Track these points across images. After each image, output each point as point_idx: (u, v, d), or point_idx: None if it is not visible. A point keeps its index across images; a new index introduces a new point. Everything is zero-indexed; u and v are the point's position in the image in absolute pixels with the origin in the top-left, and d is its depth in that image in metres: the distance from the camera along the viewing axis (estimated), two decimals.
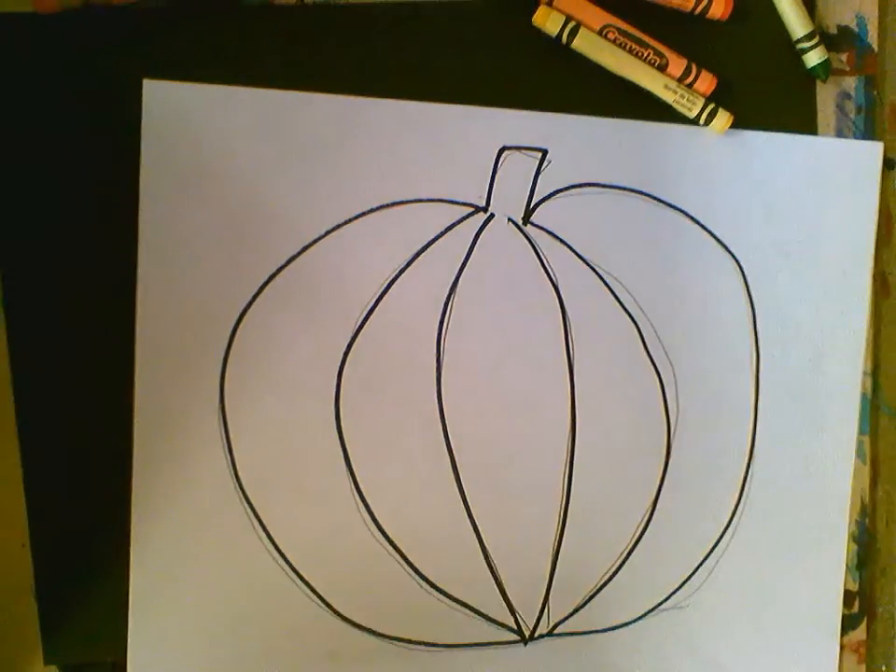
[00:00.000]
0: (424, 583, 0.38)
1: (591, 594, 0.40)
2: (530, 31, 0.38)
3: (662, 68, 0.38)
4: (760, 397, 0.41)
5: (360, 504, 0.38)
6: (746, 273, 0.40)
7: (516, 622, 0.39)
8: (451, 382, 0.38)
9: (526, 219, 0.39)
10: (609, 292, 0.39)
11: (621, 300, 0.39)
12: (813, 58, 0.40)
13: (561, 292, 0.39)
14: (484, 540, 0.39)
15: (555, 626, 0.40)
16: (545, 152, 0.38)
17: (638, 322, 0.39)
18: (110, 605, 0.37)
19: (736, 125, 0.39)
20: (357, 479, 0.38)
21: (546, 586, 0.39)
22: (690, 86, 0.39)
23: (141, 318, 0.36)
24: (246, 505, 0.37)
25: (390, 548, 0.38)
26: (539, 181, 0.38)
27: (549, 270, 0.39)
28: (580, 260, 0.39)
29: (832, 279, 0.41)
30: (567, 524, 0.39)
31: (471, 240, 0.38)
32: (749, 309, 0.40)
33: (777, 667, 0.42)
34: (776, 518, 0.41)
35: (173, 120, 0.36)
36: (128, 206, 0.36)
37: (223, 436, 0.37)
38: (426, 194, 0.38)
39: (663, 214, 0.40)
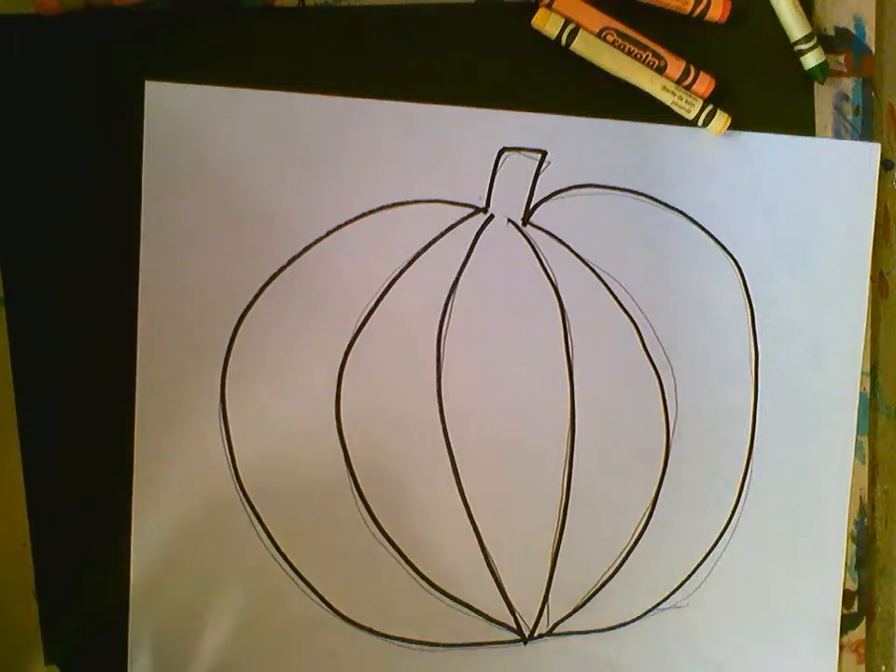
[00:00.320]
0: (424, 583, 0.38)
1: (591, 593, 0.40)
2: (530, 33, 0.38)
3: (660, 70, 0.39)
4: (759, 397, 0.41)
5: (360, 504, 0.38)
6: (744, 273, 0.41)
7: (516, 621, 0.40)
8: (451, 382, 0.38)
9: (526, 220, 0.39)
10: (608, 293, 0.39)
11: (620, 300, 0.39)
12: (811, 60, 0.40)
13: (560, 293, 0.39)
14: (484, 540, 0.39)
15: (555, 626, 0.40)
16: (545, 153, 0.38)
17: (638, 322, 0.40)
18: (110, 605, 0.37)
19: (735, 126, 0.39)
20: (358, 478, 0.38)
21: (546, 586, 0.40)
22: (688, 87, 0.39)
23: (142, 318, 0.36)
24: (247, 505, 0.37)
25: (390, 547, 0.38)
26: (538, 182, 0.39)
27: (548, 270, 0.39)
28: (579, 261, 0.39)
29: (830, 279, 0.41)
30: (566, 523, 0.39)
31: (471, 241, 0.38)
32: (748, 309, 0.41)
33: (777, 667, 0.42)
34: (774, 518, 0.41)
35: (175, 121, 0.36)
36: (130, 207, 0.36)
37: (224, 435, 0.37)
38: (426, 195, 0.38)
39: (661, 215, 0.40)
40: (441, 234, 0.38)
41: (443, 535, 0.38)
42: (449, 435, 0.38)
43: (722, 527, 0.41)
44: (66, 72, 0.35)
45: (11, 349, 0.36)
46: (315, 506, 0.37)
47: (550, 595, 0.40)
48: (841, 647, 0.43)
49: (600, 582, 0.40)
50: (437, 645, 0.39)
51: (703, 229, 0.40)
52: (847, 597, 0.42)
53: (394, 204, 0.38)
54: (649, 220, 0.40)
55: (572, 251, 0.39)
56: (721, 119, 0.39)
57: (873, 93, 0.42)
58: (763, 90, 0.40)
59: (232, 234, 0.36)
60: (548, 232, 0.39)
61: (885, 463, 0.43)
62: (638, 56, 0.38)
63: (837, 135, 0.42)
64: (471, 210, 0.38)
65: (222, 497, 0.37)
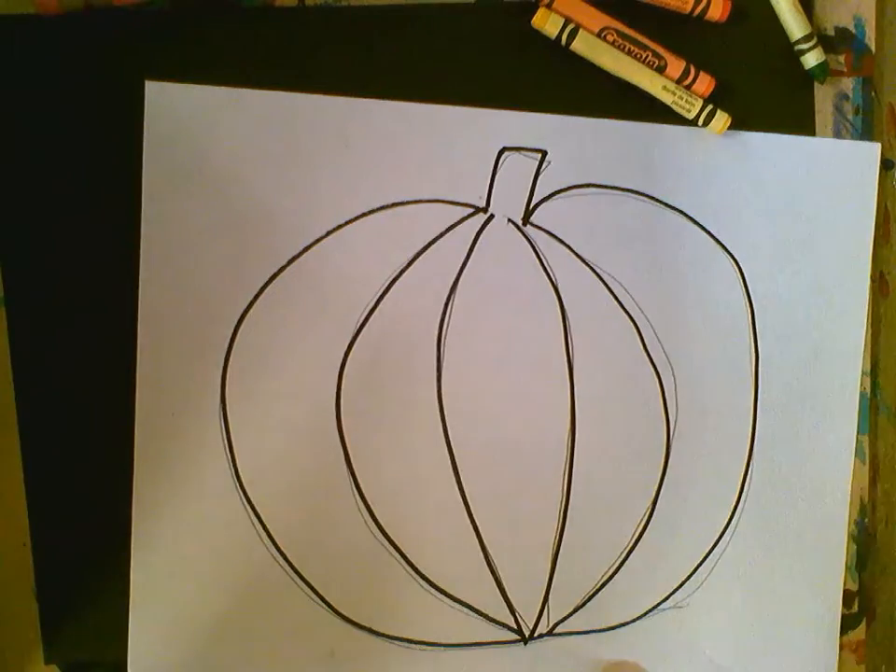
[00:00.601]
0: (424, 583, 0.38)
1: (591, 593, 0.40)
2: (530, 33, 0.38)
3: (660, 70, 0.39)
4: (759, 396, 0.41)
5: (361, 504, 0.38)
6: (745, 273, 0.40)
7: (516, 621, 0.39)
8: (451, 382, 0.38)
9: (526, 220, 0.39)
10: (608, 292, 0.39)
11: (620, 300, 0.39)
12: (811, 59, 0.40)
13: (561, 293, 0.39)
14: (484, 540, 0.39)
15: (555, 626, 0.40)
16: (545, 153, 0.38)
17: (638, 322, 0.40)
18: (110, 604, 0.37)
19: (735, 126, 0.39)
20: (358, 479, 0.38)
21: (546, 586, 0.40)
22: (688, 87, 0.39)
23: (142, 319, 0.36)
24: (247, 505, 0.37)
25: (390, 547, 0.38)
26: (538, 182, 0.39)
27: (549, 270, 0.39)
28: (579, 261, 0.39)
29: (830, 279, 0.41)
30: (566, 523, 0.39)
31: (471, 240, 0.38)
32: (748, 309, 0.41)
33: (777, 667, 0.42)
34: (775, 518, 0.41)
35: (175, 121, 0.36)
36: (130, 207, 0.36)
37: (224, 435, 0.37)
38: (426, 195, 0.38)
39: (662, 214, 0.40)
40: (442, 234, 0.38)
41: (443, 534, 0.38)
42: (449, 434, 0.38)
43: (723, 527, 0.41)
44: (66, 72, 0.36)
45: (11, 349, 0.36)
46: (315, 506, 0.37)
47: (550, 595, 0.40)
48: (841, 647, 0.42)
49: (601, 582, 0.40)
50: (437, 645, 0.39)
51: (703, 228, 0.40)
52: (848, 597, 0.42)
53: (394, 204, 0.38)
54: (649, 220, 0.40)
55: (572, 251, 0.39)
56: (722, 119, 0.39)
57: (873, 93, 0.42)
58: (764, 89, 0.40)
59: (232, 234, 0.36)
60: (548, 232, 0.39)
61: (885, 463, 0.43)
62: (638, 56, 0.38)
63: (837, 135, 0.41)
64: (471, 210, 0.38)
65: (222, 496, 0.37)
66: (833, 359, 0.41)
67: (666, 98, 0.39)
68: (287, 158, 0.37)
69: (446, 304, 0.38)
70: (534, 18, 0.38)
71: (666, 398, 0.40)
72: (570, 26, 0.38)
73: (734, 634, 0.42)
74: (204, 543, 0.37)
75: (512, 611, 0.39)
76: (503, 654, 0.40)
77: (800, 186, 0.41)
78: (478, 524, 0.39)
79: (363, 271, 0.37)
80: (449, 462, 0.38)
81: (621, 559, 0.40)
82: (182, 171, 0.36)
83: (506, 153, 0.38)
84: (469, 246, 0.38)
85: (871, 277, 0.42)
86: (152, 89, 0.35)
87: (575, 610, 0.40)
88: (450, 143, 0.38)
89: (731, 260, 0.40)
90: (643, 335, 0.40)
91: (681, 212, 0.40)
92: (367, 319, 0.38)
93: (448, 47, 0.38)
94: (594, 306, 0.39)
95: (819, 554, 0.42)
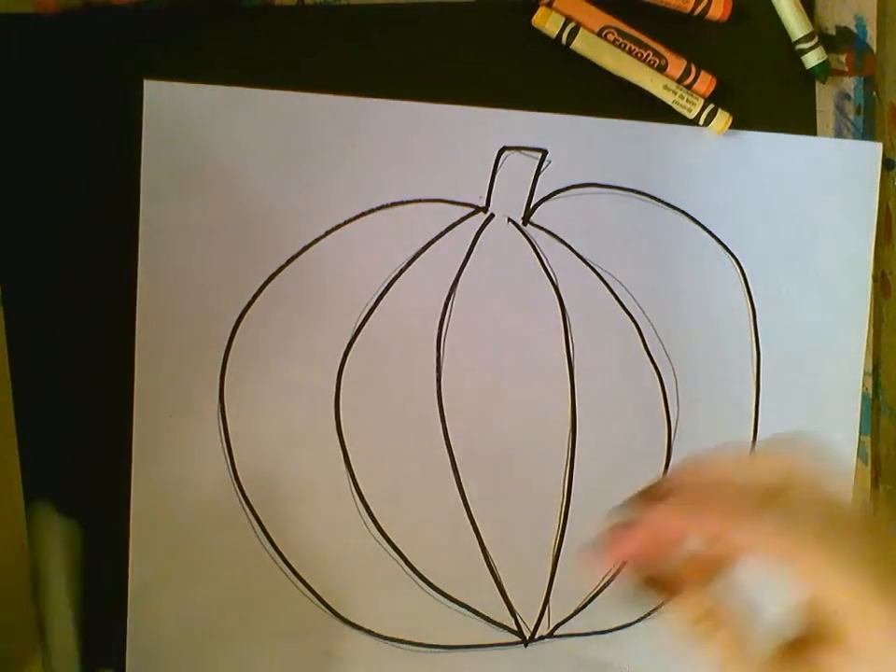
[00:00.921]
0: (424, 584, 0.38)
1: (592, 595, 0.40)
2: (530, 32, 0.38)
3: (661, 69, 0.39)
4: (760, 396, 0.41)
5: (360, 504, 0.38)
6: (746, 272, 0.40)
7: (517, 623, 0.39)
8: (451, 382, 0.38)
9: (526, 219, 0.39)
10: (609, 292, 0.39)
11: (621, 299, 0.39)
12: (812, 59, 0.40)
13: (561, 292, 0.39)
14: (485, 541, 0.39)
15: (556, 628, 0.40)
16: (545, 152, 0.38)
17: (639, 322, 0.39)
18: (109, 605, 0.37)
19: (736, 126, 0.39)
20: (357, 479, 0.38)
21: (547, 587, 0.39)
22: (689, 87, 0.39)
23: (141, 318, 0.36)
24: (245, 505, 0.37)
25: (390, 548, 0.38)
26: (538, 181, 0.38)
27: (549, 270, 0.39)
28: (580, 260, 0.39)
29: (832, 279, 0.41)
30: (567, 524, 0.39)
31: (471, 240, 0.38)
32: (750, 309, 0.40)
33: None
34: None
35: (173, 120, 0.36)
36: (128, 206, 0.36)
37: (222, 435, 0.37)
38: (426, 194, 0.38)
39: (662, 214, 0.40)
40: (442, 234, 0.38)
41: (443, 535, 0.38)
42: (449, 435, 0.38)
43: None
44: (65, 71, 0.35)
45: (10, 349, 0.36)
46: (314, 506, 0.37)
47: (551, 597, 0.39)
48: None
49: (602, 584, 0.40)
50: (437, 647, 0.39)
51: (704, 228, 0.40)
52: None
53: (393, 204, 0.37)
54: (650, 220, 0.39)
55: (573, 250, 0.39)
56: (723, 119, 0.39)
57: (874, 93, 0.42)
58: (765, 89, 0.40)
59: (231, 234, 0.36)
60: (548, 232, 0.39)
61: (887, 464, 0.43)
62: (639, 55, 0.38)
63: (839, 135, 0.41)
64: (471, 209, 0.38)
65: (221, 497, 0.37)
66: (835, 360, 0.41)
67: (667, 97, 0.39)
68: (286, 157, 0.36)
69: (446, 304, 0.38)
70: (534, 17, 0.37)
71: (667, 397, 0.40)
72: (571, 25, 0.37)
73: None
74: (203, 544, 0.37)
75: (513, 613, 0.39)
76: (503, 656, 0.39)
77: (801, 186, 0.41)
78: (478, 524, 0.39)
79: (362, 270, 0.37)
80: (449, 462, 0.38)
81: (623, 560, 0.40)
82: (181, 170, 0.36)
83: (506, 152, 0.38)
84: (469, 246, 0.38)
85: (872, 277, 0.41)
86: (151, 88, 0.35)
87: (576, 612, 0.40)
88: (450, 142, 0.38)
89: (732, 260, 0.40)
90: (644, 335, 0.40)
91: (682, 211, 0.40)
92: (366, 319, 0.37)
93: (448, 46, 0.38)
94: (594, 306, 0.39)
95: None
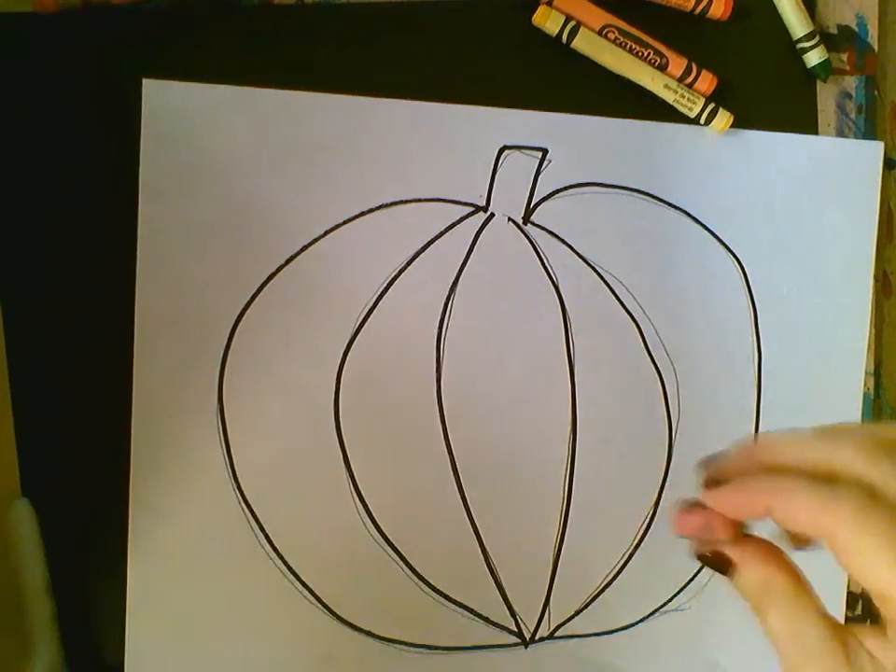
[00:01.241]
0: (423, 585, 0.38)
1: (592, 596, 0.40)
2: (530, 30, 0.38)
3: (662, 68, 0.38)
4: (762, 396, 0.40)
5: (359, 505, 0.37)
6: (747, 272, 0.40)
7: (517, 624, 0.39)
8: (451, 382, 0.38)
9: (527, 219, 0.39)
10: (609, 292, 0.39)
11: (621, 299, 0.39)
12: (813, 58, 0.40)
13: (561, 292, 0.39)
14: (485, 542, 0.38)
15: (556, 629, 0.39)
16: (545, 151, 0.38)
17: (639, 322, 0.39)
18: (109, 607, 0.36)
19: (737, 125, 0.39)
20: (357, 480, 0.37)
21: (547, 588, 0.39)
22: (690, 86, 0.39)
23: (139, 318, 0.36)
24: (245, 506, 0.37)
25: (389, 550, 0.38)
26: (539, 180, 0.38)
27: (549, 269, 0.39)
28: (580, 260, 0.39)
29: (833, 279, 0.41)
30: (567, 525, 0.39)
31: (471, 240, 0.38)
32: (751, 308, 0.40)
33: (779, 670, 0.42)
34: None
35: (172, 120, 0.35)
36: (127, 205, 0.36)
37: (221, 436, 0.37)
38: (426, 194, 0.37)
39: (663, 213, 0.39)
40: (441, 233, 0.38)
41: (443, 536, 0.38)
42: (449, 436, 0.38)
43: None
44: (64, 70, 0.35)
45: (7, 349, 0.36)
46: (313, 508, 0.37)
47: (551, 598, 0.39)
48: None
49: (602, 585, 0.40)
50: (437, 648, 0.39)
51: (705, 227, 0.40)
52: (851, 600, 0.42)
53: (393, 203, 0.37)
54: (650, 219, 0.39)
55: (573, 250, 0.39)
56: (723, 118, 0.39)
57: (876, 91, 0.42)
58: (766, 88, 0.40)
59: (230, 233, 0.36)
60: (549, 231, 0.39)
61: None
62: (640, 54, 0.38)
63: (840, 134, 0.41)
64: (471, 209, 0.38)
65: (220, 498, 0.37)
66: (837, 360, 0.41)
67: (668, 96, 0.38)
68: (285, 157, 0.36)
69: (446, 304, 0.38)
70: (535, 15, 0.37)
71: (668, 398, 0.40)
72: (571, 24, 0.37)
73: (735, 637, 0.41)
74: (202, 546, 0.37)
75: (513, 614, 0.39)
76: (503, 657, 0.39)
77: (802, 185, 0.41)
78: (478, 525, 0.38)
79: (362, 270, 0.37)
80: (449, 463, 0.38)
81: (622, 561, 0.40)
82: (180, 170, 0.36)
83: (506, 151, 0.38)
84: (469, 246, 0.38)
85: (874, 277, 0.41)
86: (150, 87, 0.35)
87: (576, 613, 0.40)
88: (450, 141, 0.37)
89: (733, 260, 0.40)
90: (645, 335, 0.39)
91: (683, 211, 0.40)
92: (366, 319, 0.37)
93: (448, 44, 0.37)
94: (595, 306, 0.39)
95: (821, 557, 0.41)
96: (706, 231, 0.40)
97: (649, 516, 0.40)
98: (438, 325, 0.38)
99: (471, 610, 0.39)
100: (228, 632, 0.37)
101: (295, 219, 0.37)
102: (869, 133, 0.42)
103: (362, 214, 0.37)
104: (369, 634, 0.38)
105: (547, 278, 0.39)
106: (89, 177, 0.36)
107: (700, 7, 0.39)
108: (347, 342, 0.37)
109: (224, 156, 0.36)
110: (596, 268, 0.39)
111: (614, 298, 0.39)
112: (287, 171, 0.36)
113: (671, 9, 0.39)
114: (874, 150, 0.41)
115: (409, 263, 0.38)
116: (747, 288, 0.40)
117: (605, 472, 0.39)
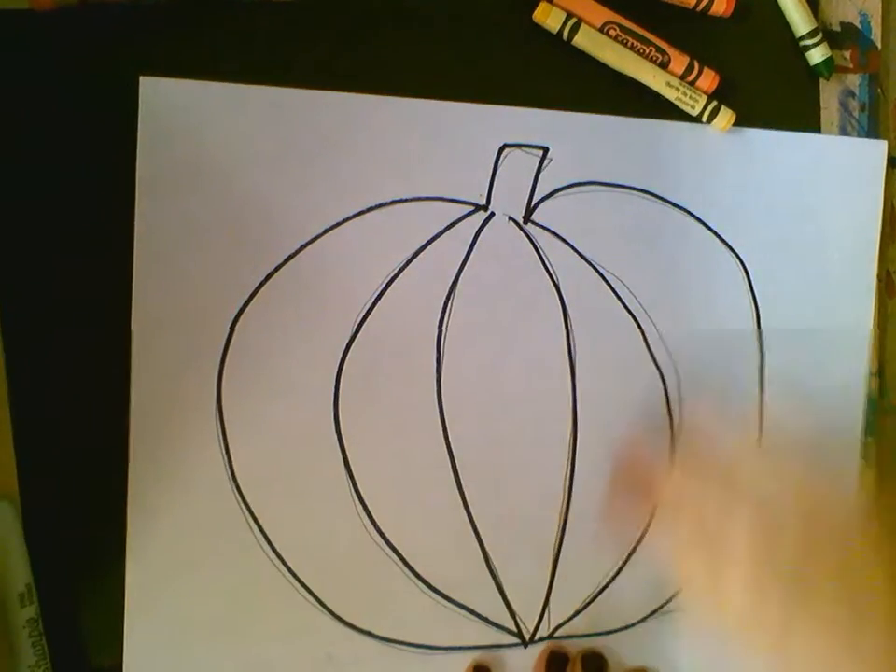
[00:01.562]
0: (423, 586, 0.38)
1: (592, 596, 0.40)
2: (531, 28, 0.37)
3: (664, 65, 0.38)
4: (763, 397, 0.40)
5: (359, 506, 0.37)
6: (749, 271, 0.40)
7: (516, 624, 0.39)
8: (451, 382, 0.38)
9: (527, 217, 0.38)
10: (610, 291, 0.39)
11: (622, 298, 0.39)
12: (816, 55, 0.40)
13: (562, 291, 0.38)
14: (484, 542, 0.38)
15: (556, 629, 0.39)
16: (546, 150, 0.38)
17: (640, 321, 0.39)
18: (107, 608, 0.36)
19: (739, 123, 0.39)
20: (356, 481, 0.37)
21: (546, 589, 0.39)
22: (692, 83, 0.39)
23: (137, 318, 0.35)
24: (244, 507, 0.37)
25: (389, 550, 0.38)
26: (540, 179, 0.38)
27: (550, 268, 0.38)
28: (581, 259, 0.39)
29: (836, 278, 0.41)
30: (567, 525, 0.39)
31: (472, 239, 0.38)
32: (753, 308, 0.40)
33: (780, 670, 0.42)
34: None
35: (170, 117, 0.35)
36: (124, 203, 0.35)
37: (220, 437, 0.36)
38: (425, 192, 0.37)
39: (665, 212, 0.39)
40: (441, 232, 0.38)
41: (443, 536, 0.38)
42: (449, 436, 0.38)
43: None
44: (61, 68, 0.35)
45: (5, 348, 0.35)
46: (312, 508, 0.37)
47: (551, 598, 0.39)
48: None
49: (602, 585, 0.40)
50: (437, 648, 0.39)
51: (707, 226, 0.40)
52: None
53: (393, 202, 0.37)
54: (652, 218, 0.39)
55: (574, 249, 0.39)
56: (726, 116, 0.38)
57: (879, 89, 0.41)
58: (768, 85, 0.40)
59: (228, 232, 0.36)
60: (549, 230, 0.38)
61: (892, 465, 0.42)
62: (641, 51, 0.38)
63: (843, 132, 0.41)
64: (472, 207, 0.38)
65: (219, 499, 0.36)
66: (839, 359, 0.41)
67: (670, 94, 0.38)
68: (284, 154, 0.36)
69: (446, 303, 0.38)
70: (535, 12, 0.37)
71: (669, 397, 0.40)
72: (572, 21, 0.37)
73: (735, 637, 0.41)
74: (201, 546, 0.36)
75: (513, 615, 0.39)
76: (503, 657, 0.39)
77: (805, 184, 0.40)
78: (477, 525, 0.38)
79: (361, 269, 0.37)
80: (448, 463, 0.38)
81: (622, 562, 0.40)
82: (177, 167, 0.35)
83: (507, 150, 0.38)
84: (469, 245, 0.38)
85: (877, 276, 0.41)
86: (147, 84, 0.35)
87: (576, 614, 0.40)
88: (450, 139, 0.37)
89: (735, 259, 0.40)
90: (646, 334, 0.39)
91: (685, 209, 0.39)
92: (365, 318, 0.37)
93: (449, 42, 0.37)
94: (596, 305, 0.39)
95: None
96: (707, 230, 0.40)
97: (649, 516, 0.40)
98: (438, 324, 0.38)
99: (471, 610, 0.39)
100: (227, 632, 0.37)
101: (294, 218, 0.36)
102: (872, 131, 0.41)
103: (362, 212, 0.37)
104: (368, 634, 0.38)
105: (547, 277, 0.38)
106: (86, 176, 0.35)
107: (702, 5, 0.38)
108: (347, 341, 0.37)
109: (222, 154, 0.36)
110: (597, 267, 0.39)
111: (615, 297, 0.39)
112: (286, 169, 0.36)
113: (673, 6, 0.38)
114: (877, 149, 0.41)
115: (409, 262, 0.37)
116: (748, 287, 0.40)
117: (605, 472, 0.39)
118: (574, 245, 0.39)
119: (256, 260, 0.36)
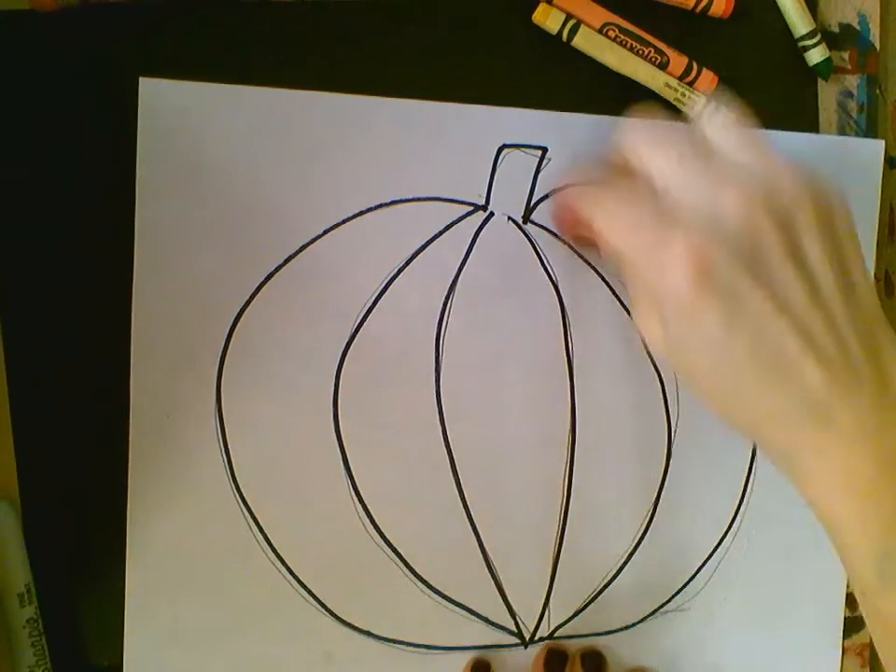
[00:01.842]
0: (423, 586, 0.38)
1: (592, 596, 0.40)
2: (530, 28, 0.37)
3: (663, 66, 0.38)
4: None
5: (359, 506, 0.37)
6: None
7: (516, 624, 0.39)
8: (450, 382, 0.38)
9: (526, 218, 0.38)
10: (609, 291, 0.39)
11: (621, 298, 0.39)
12: (815, 56, 0.40)
13: (561, 291, 0.39)
14: (484, 542, 0.38)
15: (556, 629, 0.39)
16: (545, 150, 0.38)
17: None
18: (106, 608, 0.36)
19: None
20: (356, 481, 0.37)
21: (547, 589, 0.39)
22: (691, 84, 0.39)
23: (136, 318, 0.35)
24: (243, 507, 0.37)
25: (389, 550, 0.38)
26: (539, 179, 0.38)
27: (549, 268, 0.38)
28: (580, 259, 0.39)
29: None
30: (567, 525, 0.39)
31: (471, 239, 0.38)
32: None
33: (780, 670, 0.42)
34: (778, 519, 0.41)
35: (170, 118, 0.35)
36: (124, 204, 0.35)
37: (220, 437, 0.36)
38: (425, 193, 0.37)
39: None
40: (440, 232, 0.38)
41: (442, 536, 0.38)
42: (448, 436, 0.38)
43: (725, 529, 0.41)
44: (61, 68, 0.35)
45: (3, 348, 0.35)
46: (312, 509, 0.37)
47: (551, 598, 0.39)
48: (844, 650, 0.42)
49: (602, 585, 0.40)
50: (436, 648, 0.39)
51: None
52: (851, 600, 0.42)
53: (392, 202, 0.37)
54: None
55: (573, 249, 0.39)
56: None
57: (877, 90, 0.41)
58: (767, 86, 0.40)
59: (228, 233, 0.36)
60: (549, 230, 0.38)
61: None
62: (640, 52, 0.38)
63: (841, 133, 0.41)
64: (471, 208, 0.38)
65: (219, 499, 0.36)
66: None
67: (669, 95, 0.38)
68: (284, 155, 0.36)
69: (445, 303, 0.38)
70: (534, 13, 0.37)
71: (667, 397, 0.40)
72: (571, 22, 0.37)
73: (736, 637, 0.41)
74: (201, 546, 0.36)
75: (512, 615, 0.39)
76: (503, 658, 0.39)
77: None
78: (477, 525, 0.38)
79: (361, 269, 0.37)
80: (448, 464, 0.38)
81: (622, 561, 0.40)
82: (177, 169, 0.35)
83: (506, 150, 0.38)
84: (468, 245, 0.38)
85: (875, 277, 0.41)
86: (147, 85, 0.35)
87: (576, 614, 0.40)
88: (449, 140, 0.37)
89: None
90: None
91: None
92: (364, 319, 0.37)
93: (447, 43, 0.37)
94: (595, 305, 0.39)
95: (821, 556, 0.41)
96: None
97: (648, 516, 0.40)
98: (437, 324, 0.38)
99: (471, 611, 0.39)
100: (226, 632, 0.37)
101: (294, 218, 0.36)
102: (870, 131, 0.41)
103: (361, 213, 0.37)
104: (368, 634, 0.38)
105: (547, 277, 0.38)
106: (85, 176, 0.35)
107: (701, 6, 0.38)
108: (346, 341, 0.37)
109: (222, 155, 0.36)
110: (596, 267, 0.39)
111: (614, 297, 0.39)
112: (286, 170, 0.36)
113: (672, 7, 0.39)
114: (875, 149, 0.41)
115: (408, 262, 0.37)
116: None
117: (604, 472, 0.39)
118: (573, 245, 0.39)
119: (256, 260, 0.36)
